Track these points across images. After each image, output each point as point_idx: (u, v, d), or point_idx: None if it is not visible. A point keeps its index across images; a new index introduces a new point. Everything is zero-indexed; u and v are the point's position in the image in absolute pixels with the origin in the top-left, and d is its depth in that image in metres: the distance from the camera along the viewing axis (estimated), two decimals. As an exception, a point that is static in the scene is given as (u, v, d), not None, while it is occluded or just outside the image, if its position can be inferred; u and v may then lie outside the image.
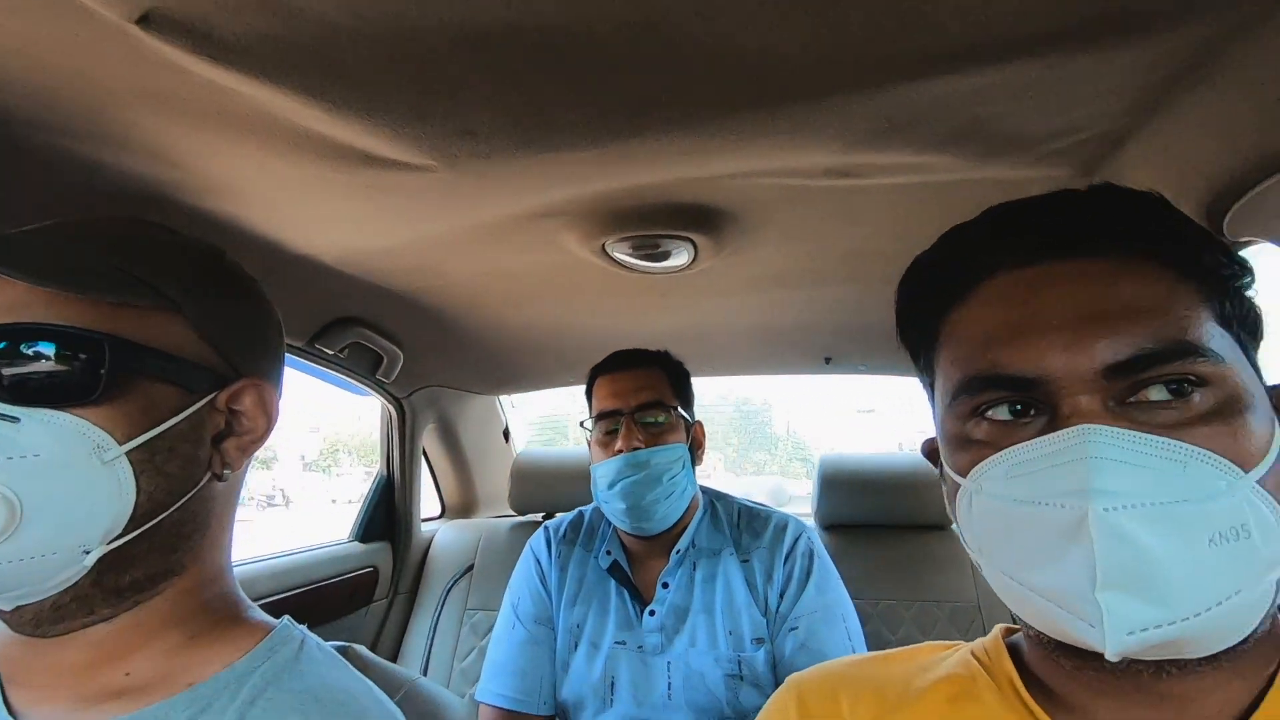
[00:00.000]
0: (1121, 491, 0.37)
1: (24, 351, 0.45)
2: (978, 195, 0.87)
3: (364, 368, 1.49)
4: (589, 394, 1.27)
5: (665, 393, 1.20)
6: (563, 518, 1.37)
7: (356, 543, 1.76)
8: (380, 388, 1.63)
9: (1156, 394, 0.39)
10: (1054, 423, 0.41)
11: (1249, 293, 0.44)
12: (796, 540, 1.20)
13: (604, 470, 1.17)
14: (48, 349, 0.45)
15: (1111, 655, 0.37)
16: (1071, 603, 0.38)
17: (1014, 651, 0.51)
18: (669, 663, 1.13)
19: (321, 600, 1.55)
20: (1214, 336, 0.41)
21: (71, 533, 0.45)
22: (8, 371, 0.44)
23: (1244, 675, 0.41)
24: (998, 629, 0.55)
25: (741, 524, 1.25)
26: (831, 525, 1.74)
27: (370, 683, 0.54)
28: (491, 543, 1.87)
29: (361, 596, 1.71)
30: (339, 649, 0.60)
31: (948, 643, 0.58)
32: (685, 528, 1.21)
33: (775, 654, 1.12)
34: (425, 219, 0.89)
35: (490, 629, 1.75)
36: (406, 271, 1.14)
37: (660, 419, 1.18)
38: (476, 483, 2.17)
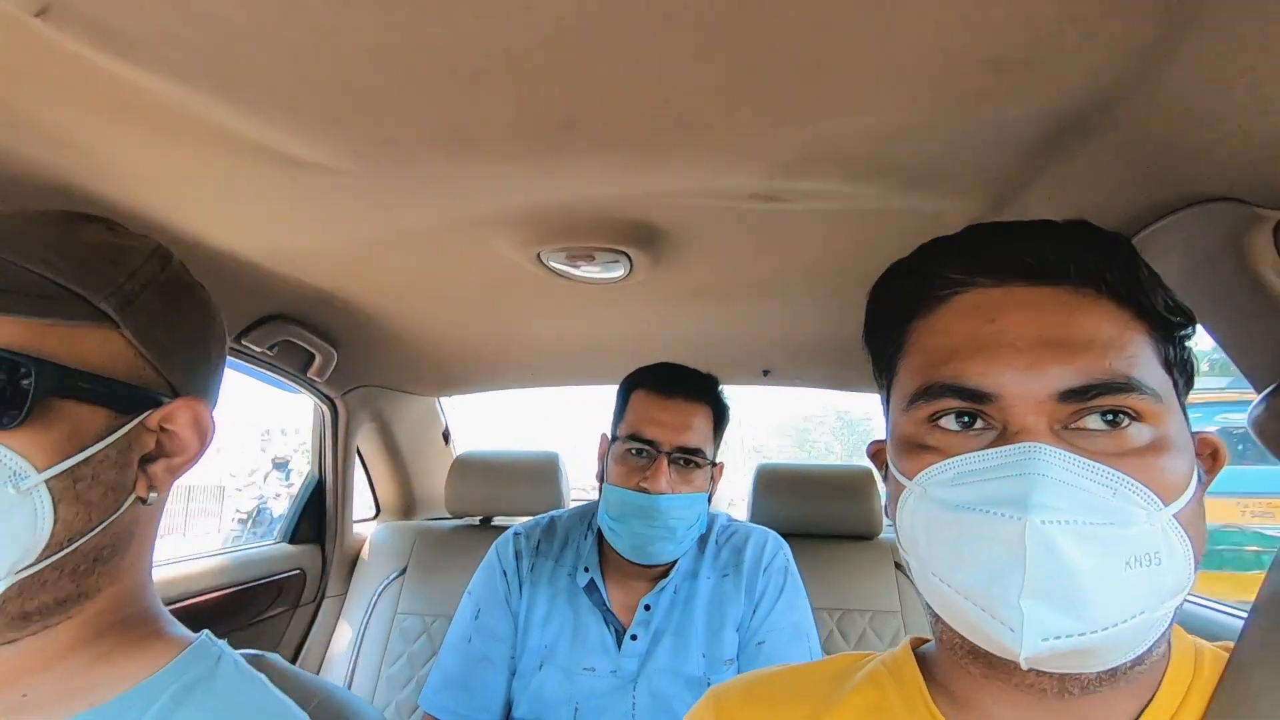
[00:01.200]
0: (1057, 507, 0.40)
1: None
2: (899, 223, 0.91)
3: (295, 366, 1.45)
4: (624, 397, 1.19)
5: (707, 436, 1.14)
6: (532, 523, 1.30)
7: (284, 544, 1.71)
8: (312, 387, 1.60)
9: (1095, 423, 0.43)
10: (1003, 438, 0.43)
11: (1189, 343, 0.48)
12: (775, 557, 1.19)
13: (617, 498, 1.10)
14: None
15: (1025, 661, 0.40)
16: (995, 607, 0.41)
17: (922, 662, 0.54)
18: (635, 699, 1.10)
19: (246, 603, 1.51)
20: (1155, 377, 0.44)
21: None
22: None
23: (1133, 694, 0.45)
24: (907, 641, 0.58)
25: (721, 540, 1.23)
26: None
27: (287, 700, 0.52)
28: (427, 545, 1.84)
29: (288, 599, 1.66)
30: (252, 658, 0.58)
31: (861, 653, 0.60)
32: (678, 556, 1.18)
33: (741, 669, 1.11)
34: (349, 221, 0.88)
35: (421, 634, 1.73)
36: (335, 272, 1.11)
37: (694, 464, 1.12)
38: (414, 484, 2.13)
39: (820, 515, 1.73)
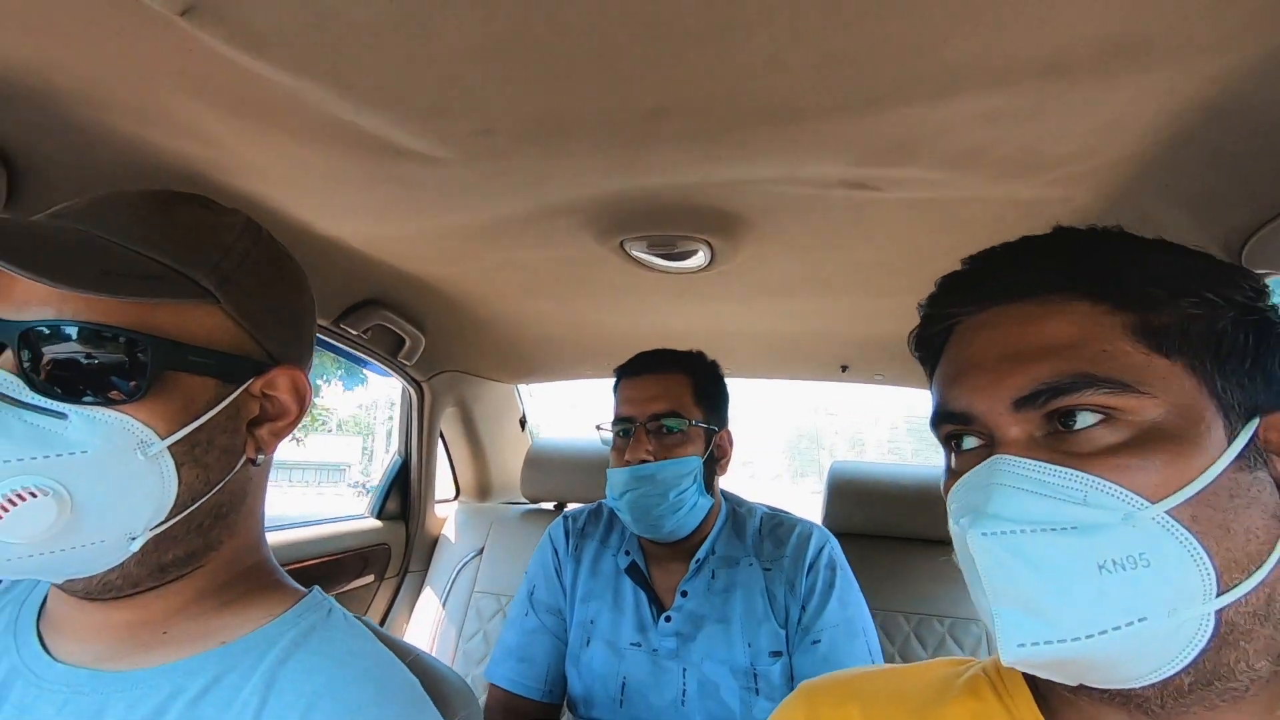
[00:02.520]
0: (1010, 517, 0.41)
1: (69, 349, 0.45)
2: (993, 213, 0.88)
3: (386, 349, 1.53)
4: (615, 393, 1.25)
5: (684, 401, 1.16)
6: (582, 508, 1.37)
7: (373, 519, 1.81)
8: (401, 370, 1.68)
9: (1068, 424, 0.42)
10: (991, 453, 0.45)
11: (1253, 315, 0.44)
12: (820, 551, 1.17)
13: (614, 478, 1.16)
14: (92, 347, 0.45)
15: (1006, 663, 0.41)
16: (984, 615, 0.42)
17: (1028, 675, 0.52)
18: (684, 669, 1.12)
19: (337, 572, 1.60)
20: (1136, 368, 0.42)
21: (118, 522, 0.47)
22: (53, 368, 0.45)
23: (1249, 714, 0.42)
24: None
25: (764, 531, 1.22)
26: (837, 533, 1.75)
27: (389, 651, 0.56)
28: (502, 528, 1.91)
29: (375, 571, 1.76)
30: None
31: (960, 659, 0.58)
32: (705, 536, 1.20)
33: (794, 667, 1.10)
34: (445, 210, 0.92)
35: (496, 613, 1.80)
36: (427, 258, 1.17)
37: (675, 429, 1.15)
38: (491, 468, 2.21)
39: (896, 517, 1.68)
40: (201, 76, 0.63)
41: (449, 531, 1.97)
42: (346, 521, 1.73)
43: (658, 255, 1.06)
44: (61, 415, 0.44)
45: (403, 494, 1.89)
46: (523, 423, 2.32)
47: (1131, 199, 0.80)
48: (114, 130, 0.74)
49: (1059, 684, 0.44)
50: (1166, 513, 0.39)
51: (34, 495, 0.43)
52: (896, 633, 1.60)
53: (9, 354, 0.45)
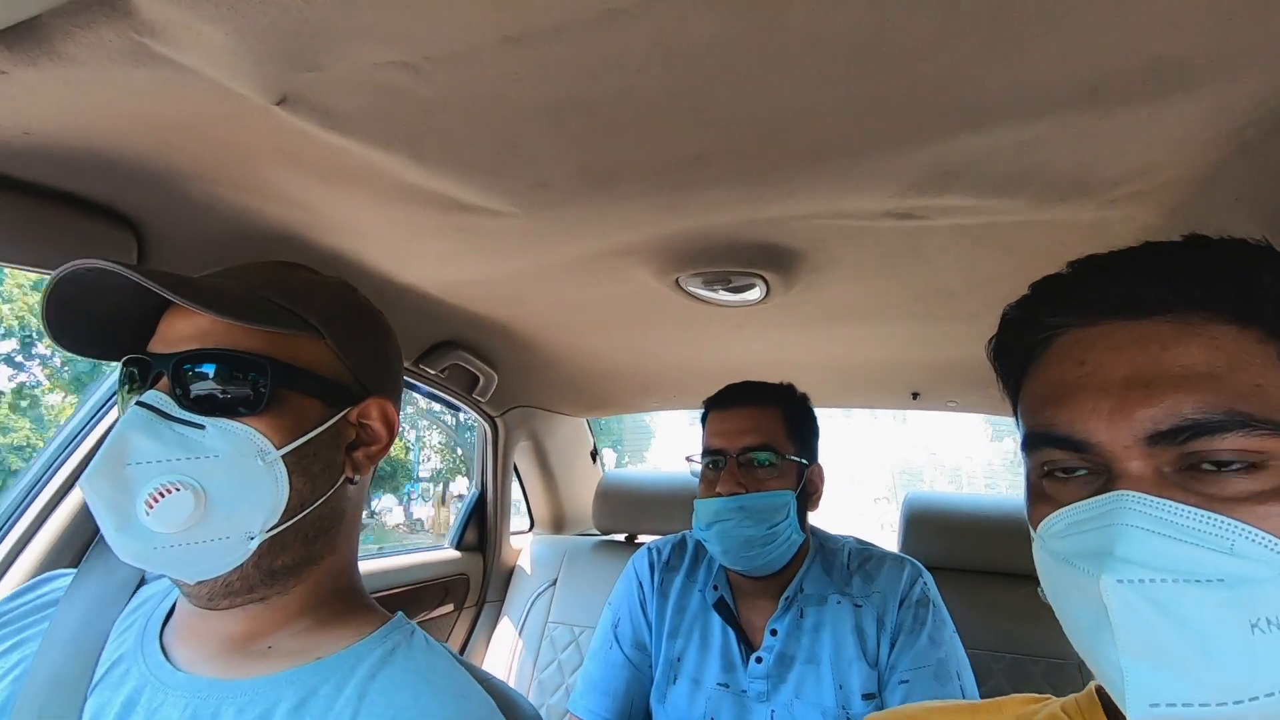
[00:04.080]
0: (1146, 563, 0.36)
1: (209, 371, 0.55)
2: (1053, 234, 0.86)
3: (463, 387, 1.62)
4: (703, 425, 1.23)
5: (776, 435, 1.14)
6: (665, 540, 1.35)
7: (453, 550, 1.89)
8: (476, 406, 1.76)
9: (1217, 464, 0.38)
10: (1108, 485, 0.40)
11: None
12: (913, 585, 1.13)
13: (703, 509, 1.13)
14: (226, 369, 0.55)
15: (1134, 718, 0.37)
16: (1105, 666, 0.38)
17: (1110, 710, 0.49)
18: (772, 711, 1.09)
19: (419, 600, 1.68)
20: None
21: (241, 520, 0.55)
22: (196, 388, 0.55)
23: None
24: (1092, 685, 0.52)
25: (853, 566, 1.18)
26: None
27: (467, 674, 0.61)
28: (576, 559, 1.94)
29: (454, 600, 1.83)
30: None
31: (1036, 696, 0.56)
32: (794, 573, 1.16)
33: (884, 707, 1.04)
34: (510, 256, 0.98)
35: (570, 643, 1.83)
36: (497, 300, 1.24)
37: (766, 462, 1.12)
38: (564, 500, 2.26)
39: (976, 549, 1.61)
40: (295, 152, 0.71)
41: (524, 563, 2.02)
42: (428, 552, 1.81)
43: (713, 290, 1.09)
44: (201, 426, 0.54)
45: (480, 525, 1.96)
46: (594, 455, 2.36)
47: (1202, 214, 0.77)
48: (223, 201, 0.84)
49: None
50: None
51: (178, 489, 0.52)
52: (985, 675, 1.51)
53: (165, 380, 0.55)
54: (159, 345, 0.57)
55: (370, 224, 0.90)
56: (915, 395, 1.72)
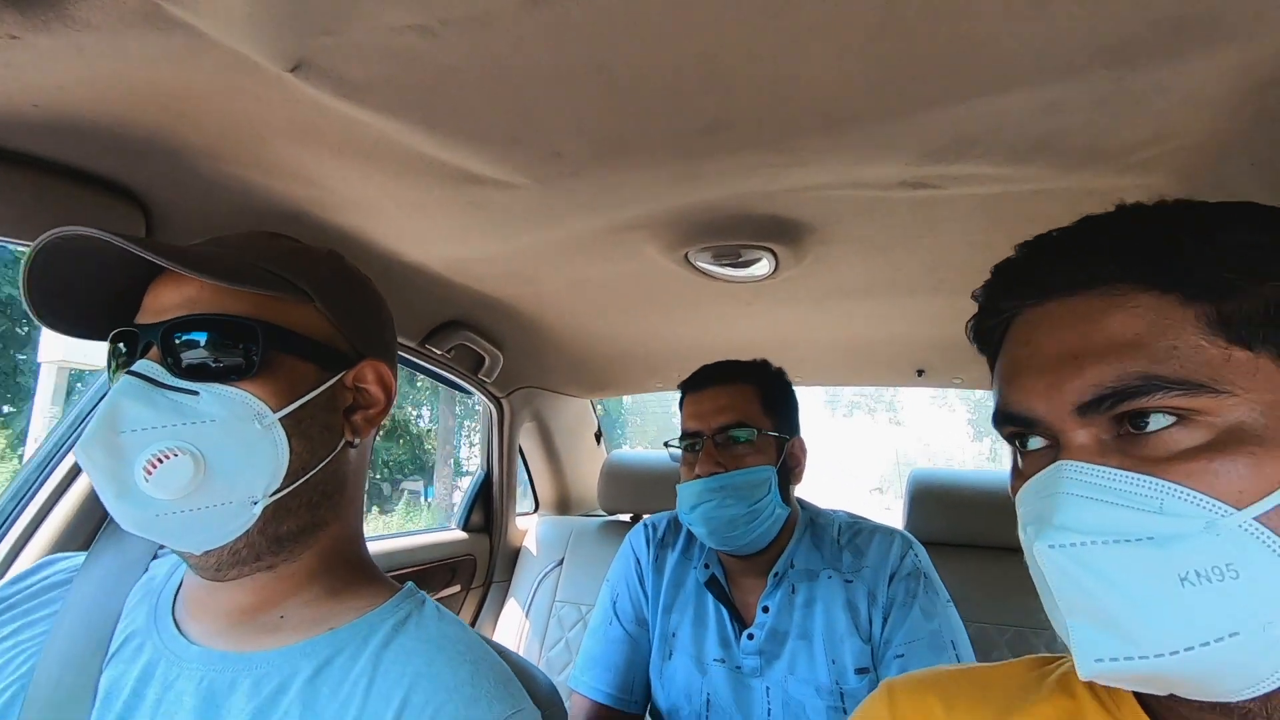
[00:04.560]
0: (1079, 528, 0.39)
1: (198, 337, 0.55)
2: (1067, 204, 0.86)
3: (468, 367, 1.62)
4: (680, 409, 1.23)
5: (752, 411, 1.14)
6: (662, 516, 1.36)
7: (460, 530, 1.90)
8: (482, 387, 1.76)
9: (1142, 427, 0.40)
10: (1058, 454, 0.43)
11: None
12: (903, 558, 1.13)
13: (685, 492, 1.14)
14: (217, 334, 0.55)
15: (1084, 678, 0.39)
16: (1058, 627, 0.41)
17: None
18: (768, 688, 1.10)
19: (426, 580, 1.69)
20: (1212, 364, 0.39)
21: (242, 485, 0.55)
22: (187, 355, 0.55)
23: None
24: None
25: (843, 541, 1.18)
26: (922, 542, 1.70)
27: (479, 637, 0.62)
28: (581, 539, 1.96)
29: (462, 581, 1.84)
30: None
31: (1050, 655, 0.56)
32: (783, 549, 1.16)
33: (879, 682, 1.06)
34: (519, 231, 0.98)
35: (577, 622, 1.84)
36: (504, 279, 1.24)
37: (743, 439, 1.12)
38: (569, 481, 2.27)
39: (982, 525, 1.62)
40: (307, 124, 0.70)
41: (530, 543, 2.04)
42: (434, 533, 1.82)
43: (722, 265, 1.09)
44: (194, 393, 0.54)
45: (486, 507, 1.97)
46: (598, 436, 2.37)
47: (1217, 181, 0.77)
48: (233, 177, 0.83)
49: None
50: (1254, 519, 0.36)
51: (175, 455, 0.52)
52: (990, 648, 1.53)
53: (155, 349, 0.55)
54: (146, 316, 0.57)
55: (380, 199, 0.90)
56: (921, 372, 1.72)
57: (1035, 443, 0.45)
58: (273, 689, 0.55)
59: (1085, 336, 0.42)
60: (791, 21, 0.53)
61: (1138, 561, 0.37)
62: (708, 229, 0.97)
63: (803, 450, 1.21)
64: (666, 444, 1.25)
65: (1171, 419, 0.39)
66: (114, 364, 0.59)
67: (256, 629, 0.59)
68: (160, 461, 0.52)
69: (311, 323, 0.60)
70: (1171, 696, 0.41)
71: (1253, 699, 0.38)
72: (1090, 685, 0.51)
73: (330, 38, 0.55)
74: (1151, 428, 0.39)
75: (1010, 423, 0.46)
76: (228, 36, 0.55)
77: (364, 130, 0.70)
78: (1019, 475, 0.47)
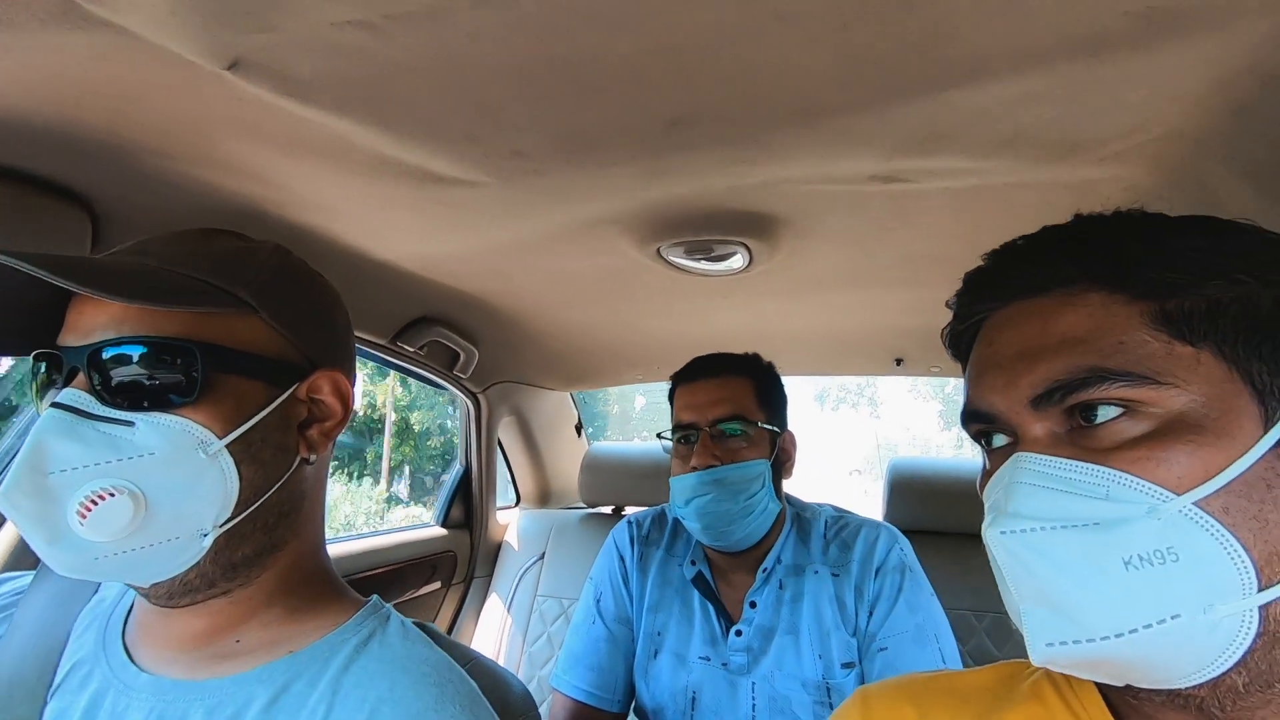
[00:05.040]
0: (1031, 514, 0.40)
1: (129, 363, 0.50)
2: (1040, 197, 0.85)
3: (442, 364, 1.59)
4: (671, 401, 1.22)
5: (747, 404, 1.13)
6: (645, 512, 1.35)
7: (438, 527, 1.88)
8: (458, 383, 1.73)
9: (1088, 419, 0.42)
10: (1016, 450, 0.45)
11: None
12: (889, 553, 1.13)
13: (679, 486, 1.12)
14: (149, 358, 0.51)
15: (1036, 662, 0.40)
16: (1013, 614, 0.42)
17: None
18: (753, 684, 1.09)
19: (405, 578, 1.67)
20: (1155, 358, 0.41)
21: (189, 518, 0.51)
22: (118, 382, 0.50)
23: None
24: None
25: (830, 535, 1.18)
26: (902, 530, 1.71)
27: (447, 657, 0.59)
28: (563, 533, 1.94)
29: (442, 578, 1.82)
30: (414, 624, 0.66)
31: (1024, 661, 0.55)
32: (771, 545, 1.16)
33: (864, 675, 1.07)
34: (487, 228, 0.95)
35: (559, 616, 1.83)
36: (476, 275, 1.21)
37: (740, 433, 1.11)
38: (549, 475, 2.25)
39: (961, 513, 1.63)
40: (253, 123, 0.67)
41: (511, 538, 2.02)
42: (413, 530, 1.80)
43: (696, 259, 1.07)
44: (129, 424, 0.50)
45: (465, 502, 1.95)
46: (579, 429, 2.35)
47: (1191, 174, 0.76)
48: (181, 175, 0.80)
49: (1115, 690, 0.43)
50: (1194, 504, 0.38)
51: (112, 495, 0.48)
52: (969, 634, 1.55)
53: (81, 375, 0.50)
54: (70, 336, 0.52)
55: (338, 198, 0.87)
56: (899, 361, 1.72)
57: (999, 440, 0.47)
58: (226, 718, 0.52)
59: (1041, 334, 0.44)
60: (757, 7, 0.50)
61: (1084, 546, 0.39)
62: (679, 224, 0.95)
63: (793, 444, 1.20)
64: (659, 435, 1.23)
65: (1118, 410, 0.41)
66: (38, 387, 0.55)
67: (211, 655, 0.56)
68: (96, 503, 0.48)
69: (256, 336, 0.55)
70: (1130, 691, 0.42)
71: (1202, 684, 0.39)
72: (1059, 691, 0.51)
73: (266, 35, 0.52)
74: (1100, 419, 0.41)
75: (975, 420, 0.48)
76: (154, 34, 0.52)
77: (313, 128, 0.67)
78: (986, 473, 0.48)
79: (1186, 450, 0.39)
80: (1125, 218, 0.47)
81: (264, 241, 0.61)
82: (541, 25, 0.52)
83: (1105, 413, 0.41)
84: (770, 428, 1.14)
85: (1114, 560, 0.38)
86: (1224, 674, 0.38)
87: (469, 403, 1.87)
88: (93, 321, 0.51)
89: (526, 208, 0.88)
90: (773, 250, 1.04)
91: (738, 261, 1.08)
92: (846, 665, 1.07)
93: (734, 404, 1.12)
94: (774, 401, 1.18)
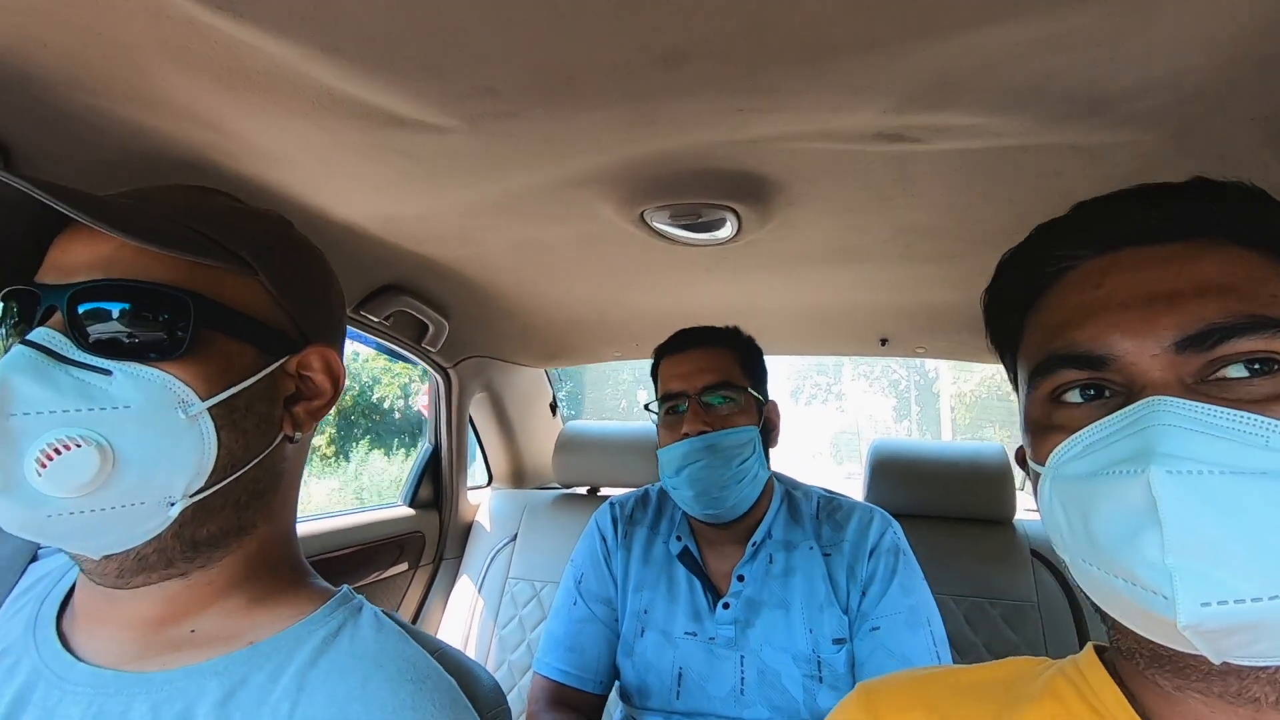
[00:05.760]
0: (1190, 457, 0.36)
1: (114, 307, 0.46)
2: (1050, 163, 0.80)
3: (410, 336, 1.51)
4: (654, 375, 1.22)
5: (734, 372, 1.14)
6: (629, 494, 1.34)
7: (406, 507, 1.81)
8: (426, 356, 1.65)
9: (1237, 371, 0.39)
10: (1130, 402, 0.40)
11: None
12: (883, 535, 1.13)
13: (670, 455, 1.11)
14: (137, 305, 0.46)
15: (1183, 626, 0.35)
16: (1139, 574, 0.36)
17: (1110, 671, 0.48)
18: (742, 656, 1.09)
19: (371, 560, 1.60)
20: None
21: (158, 483, 0.47)
22: (99, 327, 0.46)
23: None
24: (1090, 648, 0.51)
25: (822, 515, 1.18)
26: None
27: (419, 648, 0.54)
28: (535, 513, 1.89)
29: (409, 559, 1.75)
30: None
31: (1035, 659, 0.54)
32: (761, 517, 1.16)
33: (854, 654, 1.07)
34: (457, 184, 0.87)
35: (531, 598, 1.78)
36: (444, 240, 1.13)
37: (729, 400, 1.12)
38: (523, 453, 2.19)
39: (942, 496, 1.61)
40: (183, 47, 0.59)
41: (483, 518, 1.96)
42: (379, 510, 1.72)
43: (681, 227, 1.00)
44: (106, 372, 0.46)
45: (435, 481, 1.88)
46: (553, 407, 2.29)
47: (1211, 136, 0.71)
48: (110, 115, 0.71)
49: (1167, 681, 0.40)
50: None
51: (78, 445, 0.44)
52: (947, 617, 1.53)
53: (59, 316, 0.46)
54: (51, 274, 0.48)
55: (288, 144, 0.78)
56: (884, 341, 1.68)
57: (1097, 391, 0.42)
58: (174, 715, 0.46)
59: (1179, 276, 0.41)
60: None
61: (1256, 495, 0.35)
62: (665, 185, 0.88)
63: (777, 414, 1.22)
64: (647, 407, 1.23)
65: (1269, 366, 0.38)
66: (3, 329, 0.50)
67: (159, 644, 0.50)
68: (58, 453, 0.43)
69: (252, 298, 0.52)
70: (1196, 675, 0.39)
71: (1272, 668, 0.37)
72: (1076, 688, 0.48)
73: (189, -72, 0.44)
74: (1244, 373, 0.38)
75: (1073, 365, 0.43)
76: None
77: (253, 55, 0.58)
78: (1057, 430, 0.43)
79: None
80: (1240, 184, 0.44)
81: (263, 208, 0.58)
82: None
83: (1261, 368, 0.38)
84: (756, 395, 1.15)
85: None
86: None
87: (439, 378, 1.80)
88: (79, 259, 0.47)
89: (497, 161, 0.80)
90: (763, 219, 0.98)
91: (725, 230, 1.02)
92: (837, 641, 1.07)
93: (721, 372, 1.13)
94: (758, 372, 1.19)
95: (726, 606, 1.11)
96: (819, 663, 1.06)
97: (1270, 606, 0.34)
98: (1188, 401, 0.38)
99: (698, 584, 1.15)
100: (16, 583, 0.59)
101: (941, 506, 1.61)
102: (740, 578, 1.13)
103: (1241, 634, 0.35)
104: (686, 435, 1.09)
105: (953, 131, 0.71)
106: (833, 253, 1.17)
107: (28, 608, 0.55)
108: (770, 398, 1.21)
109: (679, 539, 1.19)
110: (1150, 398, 0.38)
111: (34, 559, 0.64)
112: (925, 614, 1.07)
